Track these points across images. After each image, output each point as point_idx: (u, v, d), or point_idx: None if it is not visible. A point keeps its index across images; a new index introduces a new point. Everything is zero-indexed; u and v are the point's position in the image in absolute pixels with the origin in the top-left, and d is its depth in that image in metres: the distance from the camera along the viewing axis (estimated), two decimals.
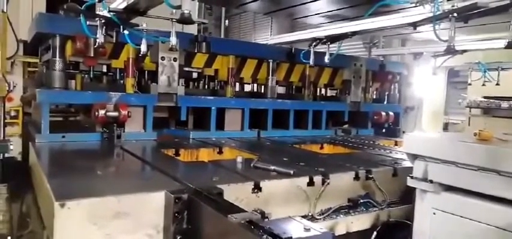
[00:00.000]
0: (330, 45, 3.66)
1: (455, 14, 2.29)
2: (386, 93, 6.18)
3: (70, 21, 3.03)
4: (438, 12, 2.28)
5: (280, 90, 5.77)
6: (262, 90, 5.29)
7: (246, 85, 6.08)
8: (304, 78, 5.28)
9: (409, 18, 2.68)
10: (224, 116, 4.57)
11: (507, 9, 2.12)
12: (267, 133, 4.76)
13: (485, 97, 6.42)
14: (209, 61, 4.59)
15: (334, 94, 6.28)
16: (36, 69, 5.63)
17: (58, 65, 3.66)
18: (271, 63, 4.90)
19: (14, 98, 5.54)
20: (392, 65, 6.21)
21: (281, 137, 4.72)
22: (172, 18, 2.48)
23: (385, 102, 6.13)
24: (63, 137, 3.56)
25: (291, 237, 1.47)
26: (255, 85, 5.98)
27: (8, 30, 5.22)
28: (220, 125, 4.51)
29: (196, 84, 5.38)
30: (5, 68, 5.19)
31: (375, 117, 5.65)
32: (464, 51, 3.81)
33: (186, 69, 4.37)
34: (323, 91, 6.18)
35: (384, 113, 5.67)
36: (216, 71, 4.76)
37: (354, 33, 3.32)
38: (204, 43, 4.31)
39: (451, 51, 2.37)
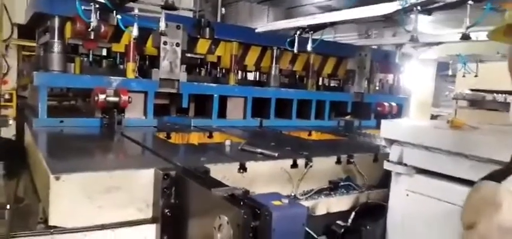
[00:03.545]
0: (313, 34, 3.77)
1: (419, 7, 2.48)
2: (390, 83, 6.07)
3: (70, 2, 2.97)
4: (406, 5, 2.46)
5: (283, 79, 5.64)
6: (266, 79, 5.08)
7: (249, 73, 5.89)
8: (308, 67, 5.14)
9: (380, 10, 2.83)
10: (226, 104, 4.45)
11: (464, 3, 2.30)
12: (270, 122, 4.64)
13: (471, 90, 6.60)
14: (212, 47, 4.47)
15: (336, 85, 6.18)
16: (31, 53, 5.69)
17: (57, 47, 3.53)
18: (275, 50, 4.77)
19: (8, 81, 5.60)
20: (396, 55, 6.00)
21: (284, 127, 4.52)
22: (160, 4, 2.59)
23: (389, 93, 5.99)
24: (62, 121, 3.47)
25: (268, 207, 1.61)
26: (258, 73, 5.75)
27: (2, 13, 5.29)
28: (222, 113, 4.41)
29: (198, 71, 5.23)
30: (2, 50, 5.27)
31: (378, 108, 5.46)
32: (440, 43, 3.95)
33: (189, 55, 4.26)
34: (326, 81, 6.05)
35: (387, 104, 5.46)
36: (219, 58, 4.62)
37: (332, 23, 3.48)
38: (207, 28, 4.25)
39: (414, 40, 2.55)
